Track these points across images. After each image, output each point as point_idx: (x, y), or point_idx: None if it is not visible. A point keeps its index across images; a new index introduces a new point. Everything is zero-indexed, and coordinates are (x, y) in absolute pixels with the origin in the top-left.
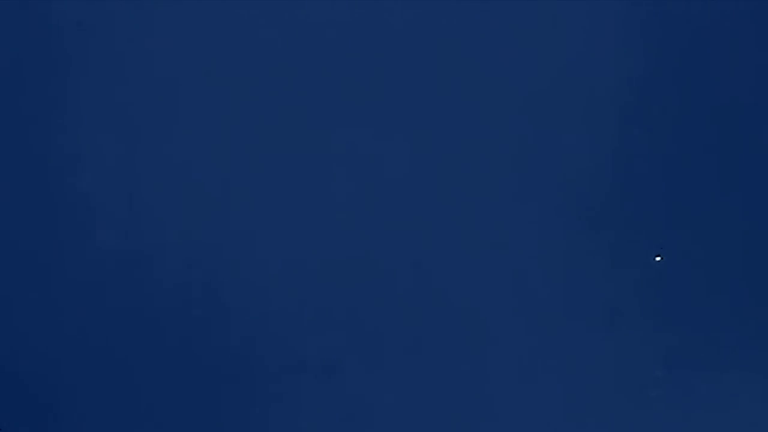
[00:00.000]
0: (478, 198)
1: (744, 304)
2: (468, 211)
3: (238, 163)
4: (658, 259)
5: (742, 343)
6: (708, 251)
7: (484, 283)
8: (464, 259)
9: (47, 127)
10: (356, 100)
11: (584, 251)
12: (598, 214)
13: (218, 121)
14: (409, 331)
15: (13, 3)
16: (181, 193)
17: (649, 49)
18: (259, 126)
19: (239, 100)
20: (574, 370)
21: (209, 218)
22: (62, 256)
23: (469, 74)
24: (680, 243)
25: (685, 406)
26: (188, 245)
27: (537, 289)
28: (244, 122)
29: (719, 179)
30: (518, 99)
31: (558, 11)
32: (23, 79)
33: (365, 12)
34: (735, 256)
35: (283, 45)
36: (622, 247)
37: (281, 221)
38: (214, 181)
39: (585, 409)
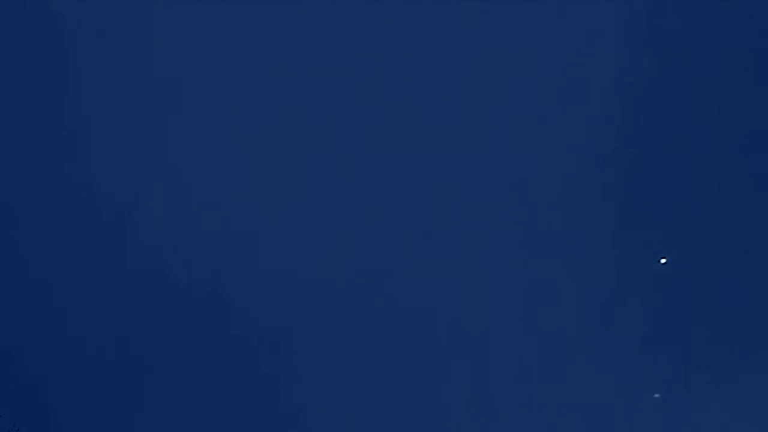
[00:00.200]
0: (480, 201)
1: (747, 306)
2: (469, 214)
3: (239, 164)
4: (662, 261)
5: (744, 343)
6: (711, 253)
7: (484, 283)
8: (466, 261)
9: (48, 127)
10: (358, 101)
11: (588, 253)
12: (601, 217)
13: (220, 123)
14: (410, 331)
15: (13, 3)
16: (182, 195)
17: (652, 51)
18: (260, 129)
19: (241, 103)
20: (576, 372)
21: (210, 218)
22: (63, 257)
23: (471, 77)
24: (684, 245)
25: (689, 408)
26: (189, 245)
27: (540, 289)
28: (247, 126)
29: (723, 181)
30: (520, 101)
31: (558, 13)
32: (23, 79)
33: (366, 13)
34: (737, 258)
35: (284, 49)
36: (625, 249)
37: (282, 222)
38: (216, 181)
39: (586, 410)
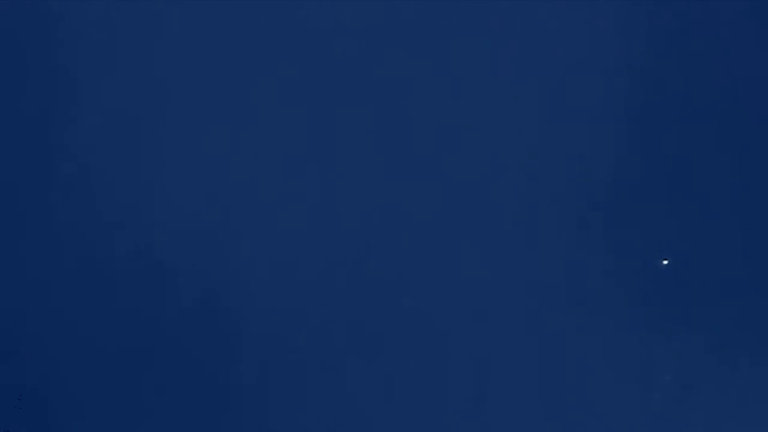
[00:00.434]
0: (481, 201)
1: (748, 307)
2: (471, 214)
3: (239, 164)
4: (665, 262)
5: (745, 344)
6: (714, 254)
7: (485, 284)
8: (467, 261)
9: (48, 127)
10: (358, 101)
11: (589, 254)
12: (603, 218)
13: (220, 124)
14: (410, 332)
15: (13, 3)
16: (182, 195)
17: (653, 51)
18: (260, 130)
19: (241, 104)
20: (577, 373)
21: (210, 218)
22: (63, 257)
23: (472, 78)
24: (687, 246)
25: (692, 409)
26: (189, 246)
27: (541, 290)
28: (247, 127)
29: (725, 182)
30: (523, 102)
31: (558, 14)
32: (24, 79)
33: (367, 13)
34: (739, 259)
35: (283, 50)
36: (628, 251)
37: (282, 222)
38: (216, 181)
39: (587, 411)
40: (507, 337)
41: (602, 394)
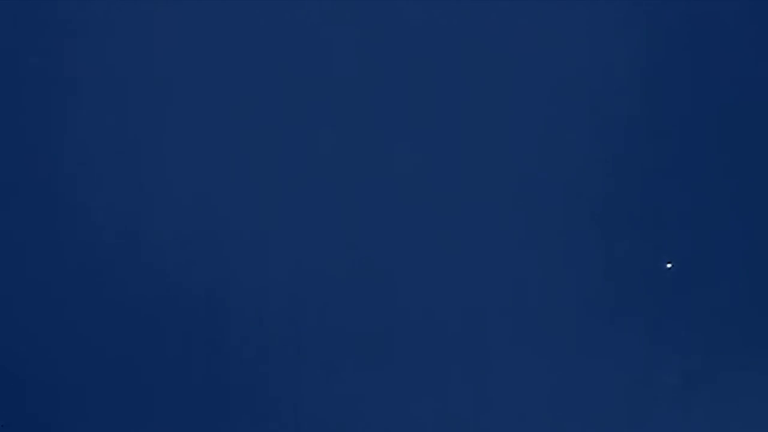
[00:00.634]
0: (483, 203)
1: (750, 308)
2: (473, 216)
3: (239, 165)
4: (669, 266)
5: (747, 346)
6: (714, 255)
7: (486, 285)
8: (469, 264)
9: (49, 129)
10: (359, 102)
11: (593, 257)
12: (607, 221)
13: (220, 125)
14: (411, 332)
15: (14, 3)
16: (183, 195)
17: (656, 52)
18: (261, 131)
19: (241, 105)
20: (577, 374)
21: (210, 219)
22: (65, 258)
23: (472, 78)
24: (690, 249)
25: (693, 410)
26: (189, 246)
27: (543, 291)
28: (247, 128)
29: (729, 183)
30: (525, 104)
31: (560, 13)
32: (24, 79)
33: (368, 14)
34: (744, 262)
35: (283, 50)
36: (632, 254)
37: (282, 223)
38: (216, 182)
39: (588, 412)
40: (507, 338)
41: (603, 395)
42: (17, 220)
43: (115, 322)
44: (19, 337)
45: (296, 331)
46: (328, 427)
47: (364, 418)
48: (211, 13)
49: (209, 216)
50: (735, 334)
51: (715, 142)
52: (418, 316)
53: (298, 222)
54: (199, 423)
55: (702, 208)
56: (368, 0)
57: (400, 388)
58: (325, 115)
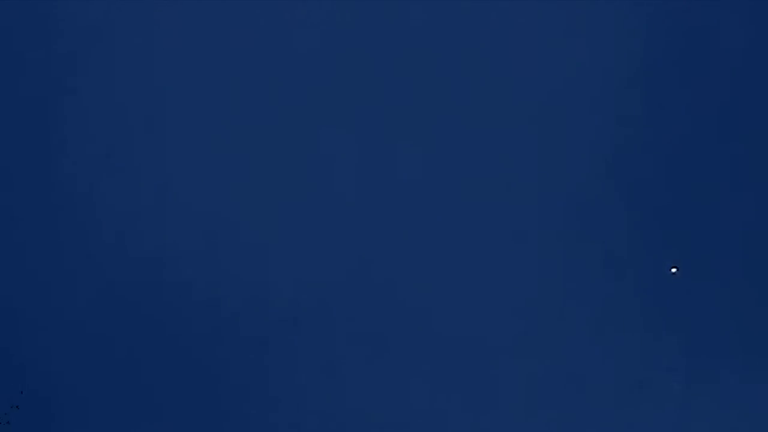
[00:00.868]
0: (486, 206)
1: (753, 310)
2: (475, 218)
3: (240, 167)
4: (673, 270)
5: (749, 347)
6: (722, 261)
7: (487, 287)
8: (471, 266)
9: (49, 130)
10: (360, 104)
11: (597, 260)
12: (613, 227)
13: (221, 126)
14: (411, 332)
15: (13, 3)
16: (183, 196)
17: (659, 55)
18: (261, 133)
19: (241, 107)
20: (579, 376)
21: (211, 220)
22: (68, 259)
23: (474, 79)
24: (695, 252)
25: (699, 414)
26: (190, 247)
27: (546, 292)
28: (247, 130)
29: (730, 184)
30: (529, 109)
31: (562, 15)
32: (24, 80)
33: (369, 15)
34: (747, 265)
35: (284, 53)
36: (637, 258)
37: (282, 223)
38: (217, 184)
39: (589, 413)
40: (508, 340)
41: (604, 396)
42: (17, 220)
43: (117, 323)
44: (21, 336)
45: (296, 332)
46: (328, 427)
47: (364, 418)
48: (213, 18)
49: (210, 217)
50: (739, 337)
51: (720, 145)
52: (418, 316)
53: (298, 223)
54: (199, 423)
55: (708, 213)
56: (368, 1)
57: (399, 389)
58: (326, 118)
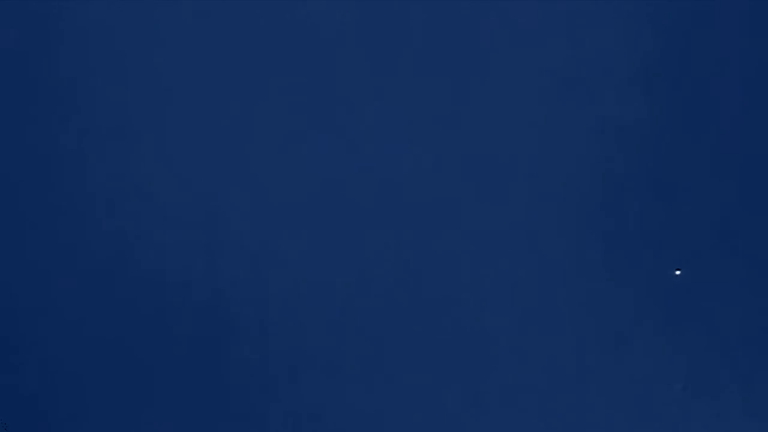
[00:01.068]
0: (488, 207)
1: (755, 313)
2: (477, 220)
3: (240, 166)
4: (677, 272)
5: (751, 349)
6: (725, 263)
7: (488, 287)
8: (473, 267)
9: (49, 130)
10: (359, 102)
11: (601, 262)
12: (616, 229)
13: (221, 127)
14: (411, 332)
15: (15, 4)
16: (182, 196)
17: (664, 55)
18: (261, 133)
19: (241, 106)
20: (579, 380)
21: (211, 220)
22: (69, 261)
23: (474, 78)
24: (699, 256)
25: (702, 415)
26: (190, 247)
27: (549, 294)
28: (247, 130)
29: (733, 184)
30: (533, 110)
31: (561, 14)
32: (26, 82)
33: (368, 14)
34: (751, 267)
35: (283, 52)
36: (641, 260)
37: (282, 224)
38: (217, 183)
39: (589, 415)
40: (510, 342)
41: (610, 398)
42: (18, 220)
43: (118, 324)
44: (22, 336)
45: (296, 333)
46: (328, 426)
47: (364, 418)
48: (213, 18)
49: (211, 219)
50: (743, 339)
51: (727, 144)
52: (419, 316)
53: (298, 225)
54: (199, 422)
55: (711, 215)
56: (369, 2)
57: (400, 389)
58: (328, 117)
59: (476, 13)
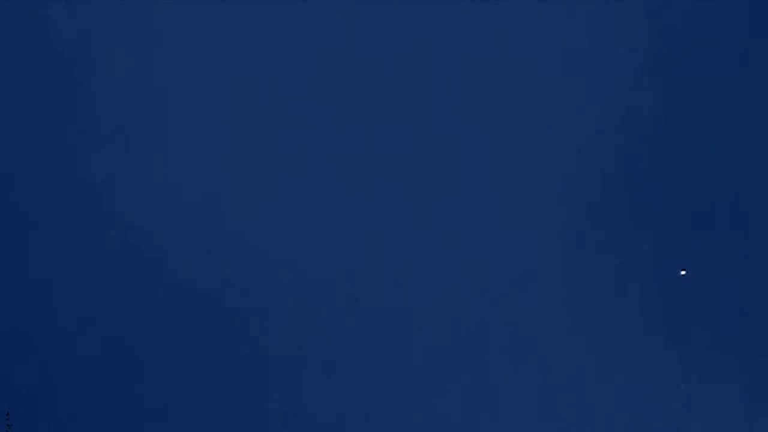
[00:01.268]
0: (489, 209)
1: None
2: (478, 222)
3: (239, 167)
4: (683, 273)
5: (754, 351)
6: (730, 264)
7: (491, 291)
8: (474, 269)
9: (50, 130)
10: (359, 103)
11: (605, 264)
12: (621, 230)
13: (220, 128)
14: (410, 332)
15: (14, 4)
16: (182, 197)
17: (667, 55)
18: (261, 134)
19: (241, 107)
20: (589, 382)
21: (210, 221)
22: (65, 258)
23: (474, 79)
24: (705, 257)
25: (706, 417)
26: (189, 248)
27: (551, 296)
28: (248, 129)
29: (735, 185)
30: (536, 111)
31: (562, 14)
32: (26, 82)
33: (368, 15)
34: (756, 269)
35: (283, 54)
36: (645, 261)
37: (282, 224)
38: (217, 184)
39: (591, 415)
40: (511, 343)
41: (614, 399)
42: (18, 220)
43: (118, 324)
44: (22, 337)
45: (296, 333)
46: (328, 425)
47: (364, 418)
48: (213, 19)
49: (211, 220)
50: (748, 339)
51: (731, 145)
52: (419, 316)
53: (298, 226)
54: (199, 422)
55: (717, 215)
56: (369, 2)
57: (399, 389)
58: (328, 118)
59: (476, 14)
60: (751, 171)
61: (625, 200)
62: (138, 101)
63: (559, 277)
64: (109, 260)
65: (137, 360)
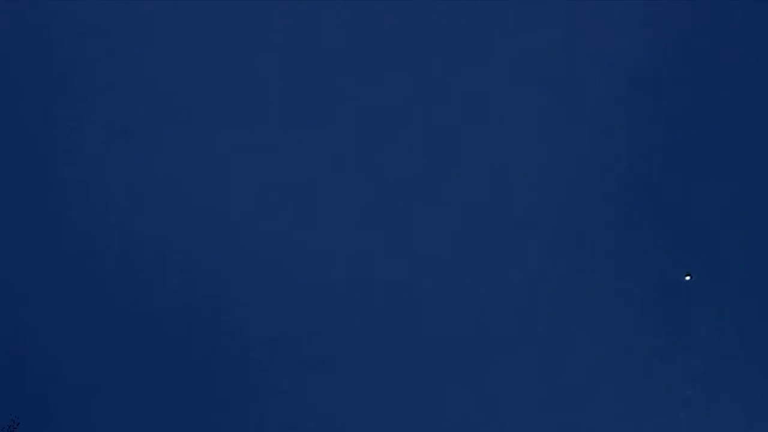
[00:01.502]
0: (492, 216)
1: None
2: (480, 224)
3: (239, 168)
4: (687, 278)
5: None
6: (735, 269)
7: (490, 289)
8: (476, 272)
9: (50, 131)
10: (359, 104)
11: (611, 267)
12: (626, 233)
13: (220, 129)
14: (410, 333)
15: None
16: (182, 198)
17: (668, 56)
18: (263, 134)
19: (241, 108)
20: (591, 382)
21: (212, 221)
22: (66, 259)
23: (474, 79)
24: (709, 261)
25: (711, 419)
26: (189, 248)
27: (553, 297)
28: (249, 131)
29: (737, 186)
30: (538, 113)
31: (562, 14)
32: (26, 82)
33: (367, 15)
34: (760, 273)
35: (283, 55)
36: (649, 264)
37: (282, 225)
38: (217, 185)
39: (591, 417)
40: (509, 342)
41: (610, 398)
42: (18, 220)
43: (119, 324)
44: (22, 338)
45: (296, 332)
46: (328, 425)
47: (364, 418)
48: (213, 19)
49: (211, 220)
50: (748, 340)
51: (734, 148)
52: (419, 316)
53: (298, 226)
54: (199, 422)
55: (717, 215)
56: (369, 2)
57: (399, 390)
58: (328, 118)
59: (477, 15)
60: (751, 171)
61: (626, 200)
62: (138, 102)
63: (559, 277)
64: (109, 261)
65: (137, 360)
